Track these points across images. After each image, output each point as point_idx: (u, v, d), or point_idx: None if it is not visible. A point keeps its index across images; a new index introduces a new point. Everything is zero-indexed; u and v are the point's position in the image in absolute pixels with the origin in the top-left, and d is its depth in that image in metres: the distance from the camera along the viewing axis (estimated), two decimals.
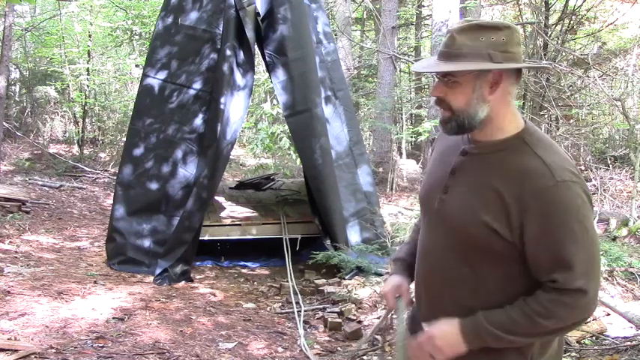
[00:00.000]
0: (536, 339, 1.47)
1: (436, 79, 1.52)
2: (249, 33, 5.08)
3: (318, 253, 5.04)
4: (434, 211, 1.59)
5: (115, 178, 7.07)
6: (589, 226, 1.41)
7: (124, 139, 6.58)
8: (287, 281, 4.92)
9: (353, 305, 4.40)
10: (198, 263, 5.59)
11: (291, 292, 4.65)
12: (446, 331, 1.49)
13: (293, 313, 4.38)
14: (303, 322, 4.19)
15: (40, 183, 8.89)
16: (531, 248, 1.41)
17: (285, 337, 3.98)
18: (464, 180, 1.53)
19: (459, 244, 1.51)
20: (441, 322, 1.51)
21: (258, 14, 5.14)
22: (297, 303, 4.48)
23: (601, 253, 4.76)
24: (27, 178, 9.03)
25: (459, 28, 1.46)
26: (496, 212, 1.42)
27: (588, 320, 3.88)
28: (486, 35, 1.43)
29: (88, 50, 11.62)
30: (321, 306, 4.55)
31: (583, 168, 10.01)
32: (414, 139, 10.29)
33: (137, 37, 11.84)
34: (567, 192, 1.38)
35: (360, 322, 4.17)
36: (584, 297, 1.39)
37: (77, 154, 11.26)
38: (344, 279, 4.91)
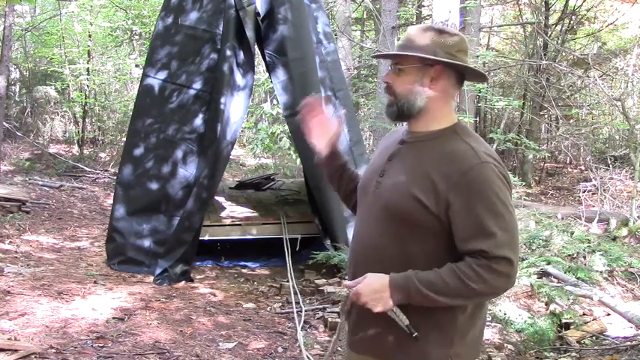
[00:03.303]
0: (461, 301, 1.57)
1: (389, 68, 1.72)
2: (249, 33, 5.07)
3: (318, 253, 5.04)
4: (370, 194, 1.72)
5: (115, 178, 7.07)
6: (508, 203, 1.56)
7: (124, 139, 6.59)
8: (287, 281, 4.92)
9: None
10: (198, 263, 5.59)
11: (292, 292, 4.65)
12: (374, 287, 1.58)
13: (293, 313, 4.38)
14: (303, 322, 4.19)
15: (40, 183, 8.89)
16: (457, 220, 1.54)
17: (285, 337, 3.98)
18: (399, 163, 1.69)
19: (390, 221, 1.63)
20: (371, 277, 1.59)
21: (258, 14, 5.14)
22: (297, 303, 4.48)
23: (600, 252, 4.79)
24: (27, 178, 9.03)
25: (419, 27, 1.70)
26: (424, 187, 1.57)
27: (588, 320, 3.88)
28: (438, 37, 1.64)
29: (88, 50, 11.63)
30: (321, 306, 4.55)
31: (583, 168, 10.01)
32: None
33: (137, 37, 11.85)
34: (489, 171, 1.55)
35: None
36: (510, 266, 1.52)
37: (77, 154, 11.27)
38: (344, 279, 4.90)
